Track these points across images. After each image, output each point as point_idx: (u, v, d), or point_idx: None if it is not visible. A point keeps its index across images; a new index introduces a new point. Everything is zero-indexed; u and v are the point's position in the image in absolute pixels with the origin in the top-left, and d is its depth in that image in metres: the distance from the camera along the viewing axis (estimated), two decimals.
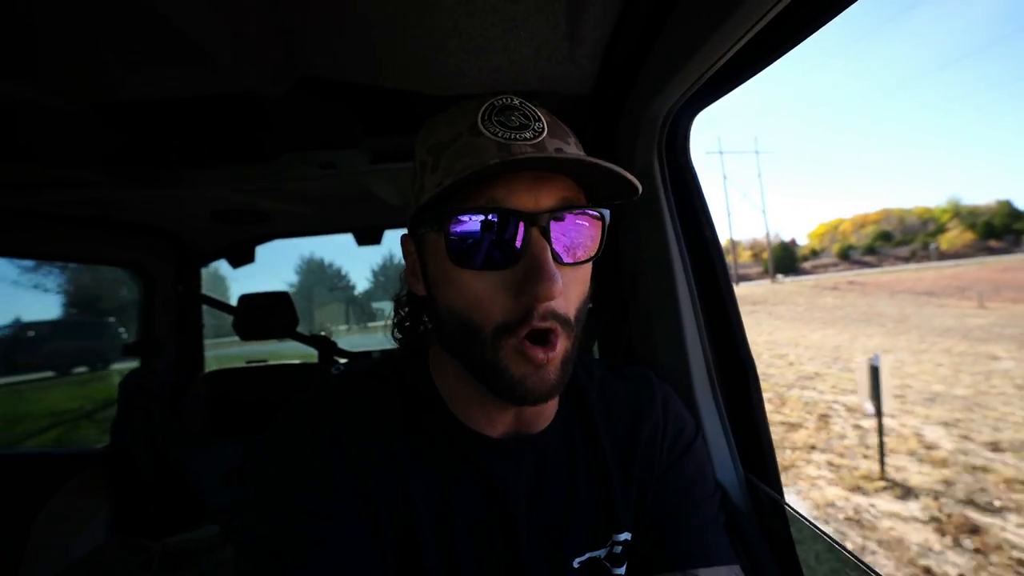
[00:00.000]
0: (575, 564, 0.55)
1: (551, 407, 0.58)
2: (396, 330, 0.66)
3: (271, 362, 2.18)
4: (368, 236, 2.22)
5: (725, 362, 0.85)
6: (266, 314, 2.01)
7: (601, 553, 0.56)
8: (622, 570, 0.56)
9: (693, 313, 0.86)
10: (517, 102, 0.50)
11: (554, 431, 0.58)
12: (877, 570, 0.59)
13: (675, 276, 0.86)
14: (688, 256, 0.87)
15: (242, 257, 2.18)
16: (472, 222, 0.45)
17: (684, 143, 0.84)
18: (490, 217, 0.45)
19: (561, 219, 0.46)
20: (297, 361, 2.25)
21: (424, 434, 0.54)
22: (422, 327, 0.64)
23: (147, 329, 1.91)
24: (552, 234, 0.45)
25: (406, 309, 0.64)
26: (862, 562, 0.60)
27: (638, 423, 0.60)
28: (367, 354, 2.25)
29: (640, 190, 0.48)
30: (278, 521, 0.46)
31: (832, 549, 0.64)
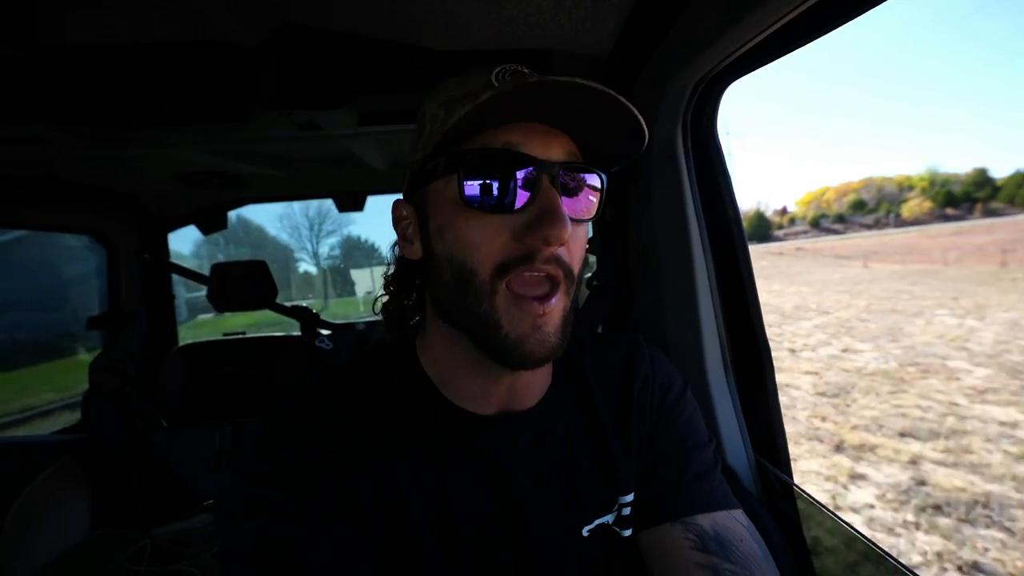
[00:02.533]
0: (584, 533, 0.55)
1: (542, 379, 0.58)
2: (383, 311, 0.63)
3: (250, 334, 2.08)
4: (350, 202, 2.10)
5: (740, 345, 0.83)
6: (243, 284, 1.90)
7: (609, 518, 0.56)
8: (629, 532, 0.57)
9: (710, 295, 0.83)
10: (526, 70, 0.50)
11: (549, 404, 0.57)
12: (883, 548, 0.60)
13: (693, 255, 0.83)
14: (708, 235, 0.83)
15: (213, 223, 2.04)
16: (488, 164, 0.46)
17: (712, 117, 0.78)
18: (506, 160, 0.46)
19: (570, 172, 0.48)
20: (278, 333, 2.15)
21: (414, 423, 0.53)
22: (407, 301, 0.61)
23: (113, 300, 1.78)
24: (563, 187, 0.47)
25: (393, 288, 0.62)
26: (869, 540, 0.60)
27: (629, 381, 0.60)
28: (351, 325, 2.18)
29: (644, 144, 0.48)
30: (261, 526, 0.45)
31: (840, 529, 0.65)
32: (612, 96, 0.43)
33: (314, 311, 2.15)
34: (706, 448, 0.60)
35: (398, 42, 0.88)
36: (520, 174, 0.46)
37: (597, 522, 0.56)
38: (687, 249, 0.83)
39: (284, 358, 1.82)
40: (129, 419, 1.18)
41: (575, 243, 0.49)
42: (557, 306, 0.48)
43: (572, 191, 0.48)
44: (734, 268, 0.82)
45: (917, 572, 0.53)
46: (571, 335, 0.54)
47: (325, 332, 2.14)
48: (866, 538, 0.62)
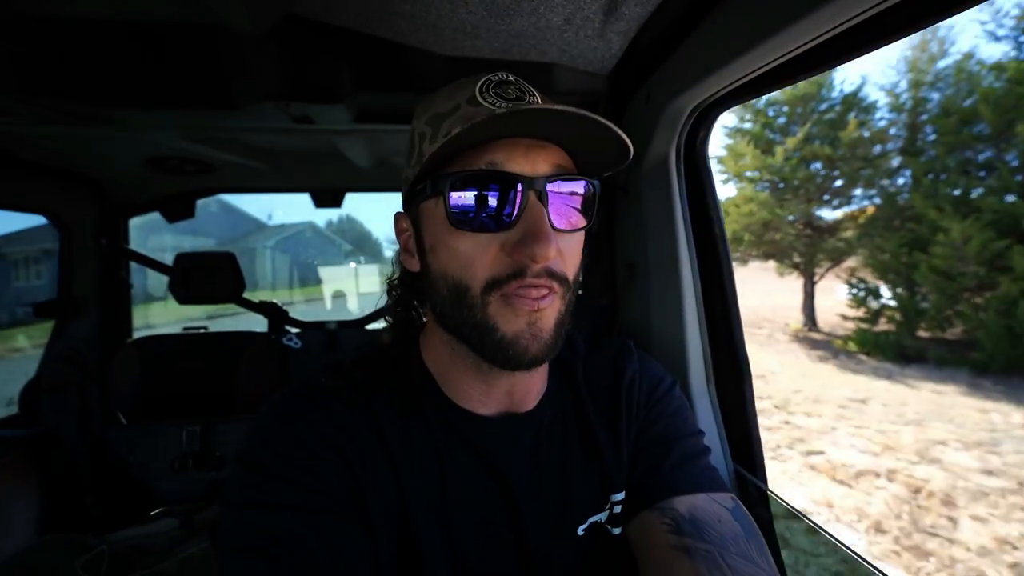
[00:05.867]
0: (579, 532, 0.57)
1: (539, 383, 0.59)
2: (388, 314, 0.66)
3: (212, 329, 1.98)
4: (328, 198, 2.05)
5: (721, 357, 0.88)
6: (208, 276, 1.82)
7: (602, 516, 0.58)
8: (619, 530, 0.58)
9: (696, 308, 0.87)
10: (512, 78, 0.51)
11: (546, 407, 0.59)
12: (839, 539, 0.65)
13: (681, 269, 0.86)
14: (696, 251, 0.87)
15: (180, 211, 1.94)
16: (471, 185, 0.47)
17: (705, 140, 0.83)
18: (489, 180, 0.47)
19: (558, 186, 0.49)
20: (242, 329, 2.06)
21: (418, 419, 0.54)
22: (413, 312, 0.64)
23: (65, 286, 1.66)
24: (548, 200, 0.48)
25: (397, 292, 0.64)
26: (831, 534, 0.65)
27: (617, 381, 0.62)
28: (321, 324, 2.12)
29: (631, 156, 0.49)
30: (266, 519, 0.45)
31: (808, 527, 0.69)
32: (591, 118, 0.44)
33: (282, 307, 2.08)
34: (691, 437, 0.61)
35: (404, 44, 0.88)
36: (505, 193, 0.47)
37: (591, 520, 0.58)
38: (675, 263, 0.87)
39: (250, 355, 1.74)
40: (85, 414, 1.09)
41: (569, 251, 0.50)
42: (552, 307, 0.49)
43: (562, 202, 0.49)
44: (719, 283, 0.87)
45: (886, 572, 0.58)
46: (566, 341, 0.57)
47: (294, 330, 2.07)
48: (838, 540, 0.66)
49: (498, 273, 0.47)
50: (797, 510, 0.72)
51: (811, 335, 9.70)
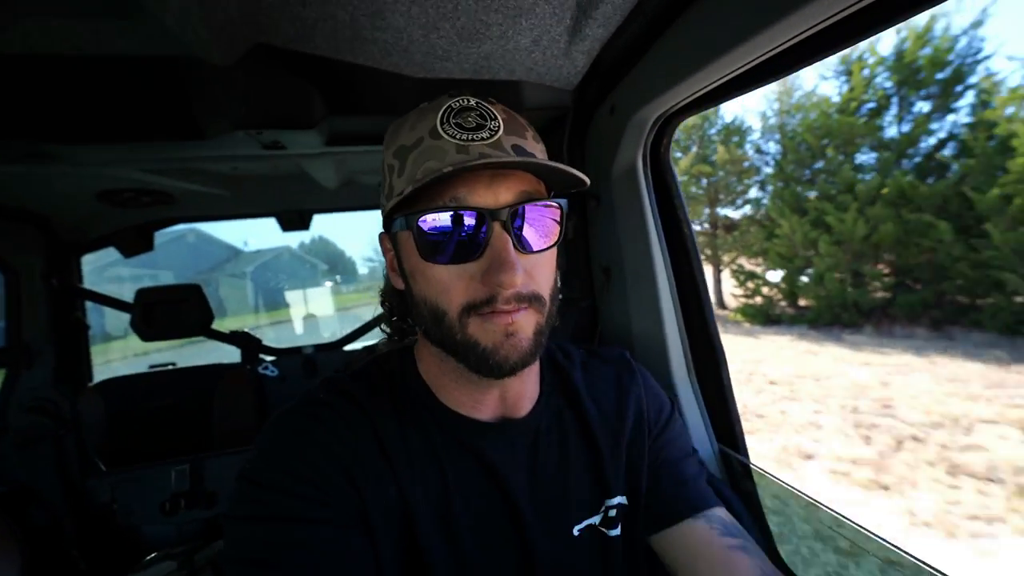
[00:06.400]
0: (575, 532, 0.60)
1: (532, 389, 0.62)
2: (383, 324, 0.70)
3: (180, 365, 1.91)
4: (295, 222, 2.02)
5: (698, 345, 0.94)
6: (173, 310, 1.75)
7: (596, 519, 0.62)
8: (616, 531, 0.62)
9: (672, 301, 0.93)
10: (474, 102, 0.53)
11: (541, 412, 0.62)
12: (812, 497, 0.71)
13: (655, 268, 0.92)
14: (668, 249, 0.93)
15: (136, 245, 1.86)
16: (437, 221, 0.49)
17: (667, 147, 0.89)
18: (453, 215, 0.49)
19: (521, 213, 0.50)
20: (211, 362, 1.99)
21: (417, 428, 0.56)
22: (406, 325, 0.68)
23: (14, 333, 1.55)
24: (515, 226, 0.50)
25: (388, 304, 0.68)
26: (815, 499, 0.71)
27: (623, 397, 0.67)
28: (297, 350, 2.08)
29: (588, 183, 0.53)
30: (270, 531, 0.46)
31: (793, 493, 0.75)
32: (539, 165, 0.48)
33: (256, 336, 2.02)
34: (693, 457, 0.69)
35: (373, 67, 0.90)
36: (469, 226, 0.49)
37: (585, 522, 0.60)
38: (650, 262, 0.92)
39: (224, 388, 1.69)
40: (62, 465, 1.03)
41: (540, 269, 0.53)
42: (528, 319, 0.51)
43: (529, 225, 0.51)
44: (691, 278, 0.93)
45: (851, 519, 0.64)
46: (560, 349, 0.63)
47: (269, 358, 2.02)
48: (813, 498, 0.73)
49: (473, 298, 0.50)
50: (780, 480, 0.78)
51: (718, 312, 11.91)
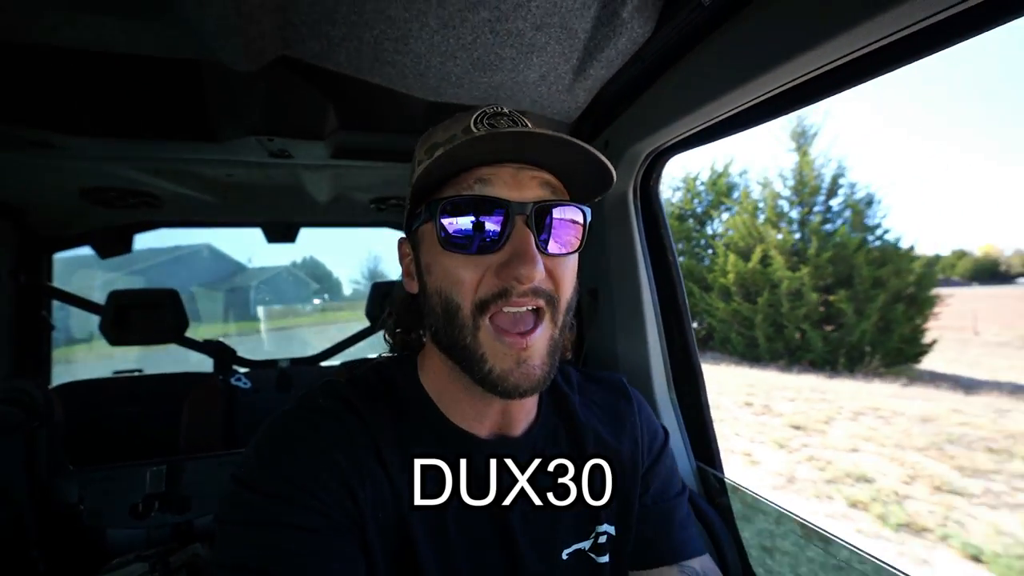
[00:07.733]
0: (564, 556, 0.60)
1: (532, 408, 0.63)
2: (387, 334, 0.69)
3: (147, 372, 1.83)
4: (281, 233, 2.01)
5: (679, 367, 0.99)
6: (146, 315, 1.70)
7: (586, 544, 0.62)
8: (605, 558, 0.62)
9: (656, 324, 0.99)
10: (507, 110, 0.55)
11: (539, 431, 0.62)
12: (796, 513, 0.75)
13: (642, 291, 0.98)
14: (653, 275, 0.99)
15: (115, 246, 1.81)
16: (460, 209, 0.49)
17: (657, 181, 0.97)
18: (477, 204, 0.49)
19: (546, 210, 0.51)
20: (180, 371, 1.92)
21: (416, 440, 0.55)
22: (413, 335, 0.67)
23: None
24: (542, 223, 0.50)
25: (395, 315, 0.67)
26: (786, 510, 0.75)
27: (619, 423, 0.67)
28: (272, 362, 2.03)
29: (614, 179, 0.53)
30: (264, 538, 0.45)
31: (768, 506, 0.79)
32: (570, 141, 0.47)
33: (230, 346, 1.97)
34: (684, 494, 0.70)
35: (388, 88, 0.95)
36: (492, 217, 0.49)
37: (575, 547, 0.60)
38: (637, 286, 0.98)
39: (194, 398, 1.63)
40: (32, 461, 0.97)
41: (561, 273, 0.53)
42: (542, 337, 0.51)
43: (551, 226, 0.51)
44: (674, 303, 0.99)
45: (822, 528, 0.68)
46: (559, 370, 0.61)
47: (242, 370, 1.96)
48: (785, 509, 0.77)
49: (486, 294, 0.49)
50: (754, 493, 0.83)
51: None
